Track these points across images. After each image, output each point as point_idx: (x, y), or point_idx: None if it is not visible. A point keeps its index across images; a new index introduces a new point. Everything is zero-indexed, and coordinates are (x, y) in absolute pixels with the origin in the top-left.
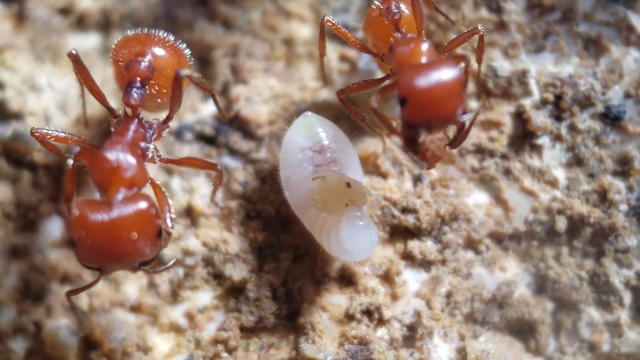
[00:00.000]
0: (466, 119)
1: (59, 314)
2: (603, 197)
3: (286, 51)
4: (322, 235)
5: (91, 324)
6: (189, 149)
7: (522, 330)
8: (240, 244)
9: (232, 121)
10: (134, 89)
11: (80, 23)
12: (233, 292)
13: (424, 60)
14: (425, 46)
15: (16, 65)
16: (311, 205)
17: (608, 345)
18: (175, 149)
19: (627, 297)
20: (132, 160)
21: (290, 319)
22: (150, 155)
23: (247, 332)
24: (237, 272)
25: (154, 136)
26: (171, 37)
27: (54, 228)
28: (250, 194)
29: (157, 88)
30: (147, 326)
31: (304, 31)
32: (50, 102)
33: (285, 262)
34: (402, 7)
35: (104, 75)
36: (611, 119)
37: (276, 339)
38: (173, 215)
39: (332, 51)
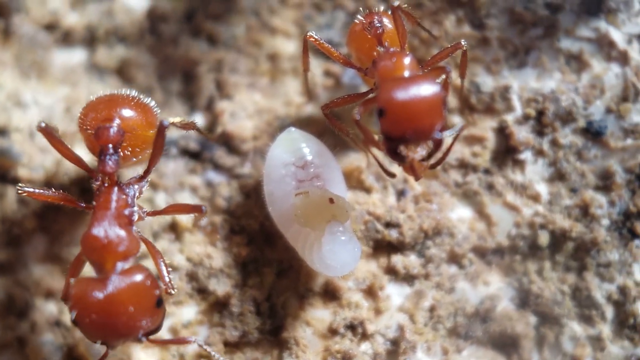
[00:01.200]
0: (445, 135)
1: (43, 329)
2: (585, 212)
3: (271, 66)
4: (305, 250)
5: (75, 339)
6: (174, 165)
7: (505, 345)
8: (224, 258)
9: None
10: (108, 156)
11: (66, 39)
12: (217, 307)
13: (406, 74)
14: (407, 60)
15: (1, 81)
16: (294, 220)
17: (590, 359)
18: (160, 164)
19: (609, 311)
20: (121, 233)
21: (274, 334)
22: (136, 217)
23: (231, 347)
24: (221, 287)
25: (137, 195)
26: (134, 93)
27: (38, 244)
28: (234, 209)
29: (130, 149)
30: None
31: (288, 46)
32: (36, 118)
33: (269, 276)
34: (385, 21)
35: (90, 90)
36: (593, 134)
37: (260, 353)
38: (171, 276)
39: (317, 66)
